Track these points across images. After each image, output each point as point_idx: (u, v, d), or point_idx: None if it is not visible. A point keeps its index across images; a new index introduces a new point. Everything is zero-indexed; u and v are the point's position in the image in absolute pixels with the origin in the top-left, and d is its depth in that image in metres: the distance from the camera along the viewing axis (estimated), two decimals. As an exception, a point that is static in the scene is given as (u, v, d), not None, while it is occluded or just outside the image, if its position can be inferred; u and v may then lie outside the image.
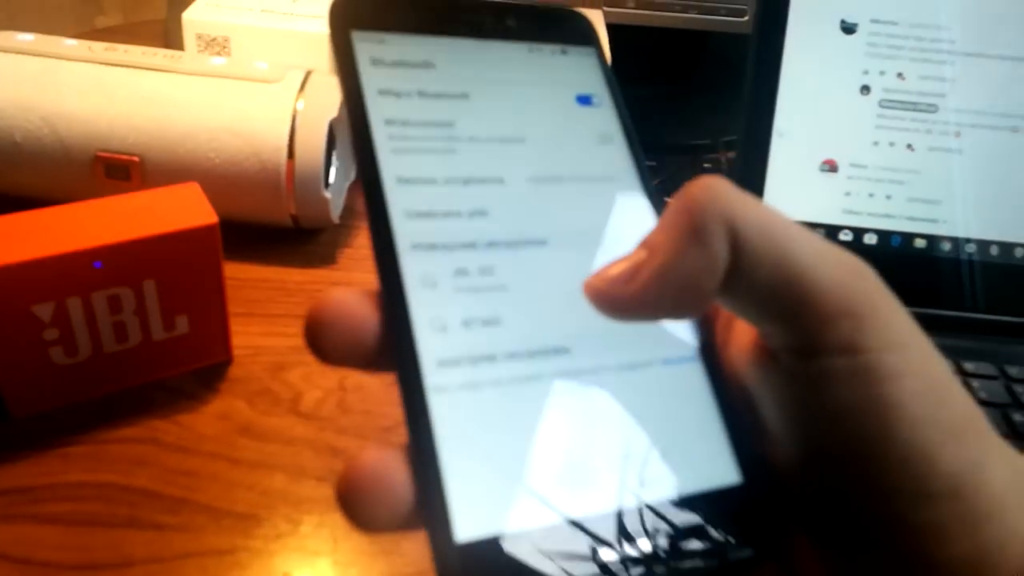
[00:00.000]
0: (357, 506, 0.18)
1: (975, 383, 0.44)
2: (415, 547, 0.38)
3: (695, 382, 0.22)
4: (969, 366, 0.45)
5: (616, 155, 0.25)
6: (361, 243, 0.57)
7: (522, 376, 0.20)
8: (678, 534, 0.20)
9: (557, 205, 0.23)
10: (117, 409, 0.43)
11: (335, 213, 0.56)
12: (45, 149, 0.51)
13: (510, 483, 0.19)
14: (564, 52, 0.25)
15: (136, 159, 0.51)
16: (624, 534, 0.19)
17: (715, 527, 0.20)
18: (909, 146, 0.48)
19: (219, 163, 0.51)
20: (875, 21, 0.47)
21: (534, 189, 0.23)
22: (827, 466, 0.19)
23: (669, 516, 0.20)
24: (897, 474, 0.18)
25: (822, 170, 0.48)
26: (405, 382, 0.19)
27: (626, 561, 0.19)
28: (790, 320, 0.19)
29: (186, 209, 0.42)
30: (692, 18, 0.69)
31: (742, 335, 0.22)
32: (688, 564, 0.19)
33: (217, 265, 0.43)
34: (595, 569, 0.19)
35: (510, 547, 0.18)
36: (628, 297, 0.19)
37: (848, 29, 0.47)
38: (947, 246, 0.49)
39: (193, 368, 0.46)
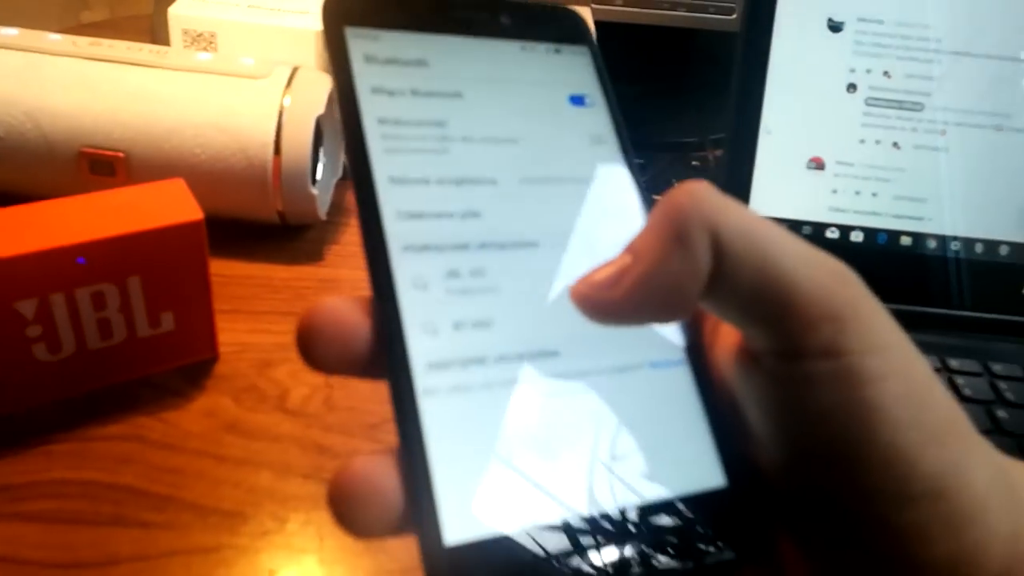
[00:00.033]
0: (348, 511, 0.18)
1: (960, 380, 0.44)
2: (401, 545, 0.37)
3: (682, 385, 0.22)
4: (954, 363, 0.45)
5: (608, 156, 0.25)
6: (348, 240, 0.57)
7: (511, 379, 0.20)
8: (663, 536, 0.20)
9: (549, 207, 0.23)
10: (102, 406, 0.42)
11: (322, 210, 0.56)
12: (29, 144, 0.51)
13: (498, 486, 0.19)
14: (558, 51, 0.25)
15: (121, 155, 0.51)
16: (610, 536, 0.19)
17: (699, 529, 0.20)
18: (895, 144, 0.48)
19: (205, 159, 0.51)
20: (862, 20, 0.47)
21: (526, 190, 0.23)
22: (810, 467, 0.20)
23: (654, 518, 0.20)
24: (879, 475, 0.18)
25: (809, 168, 0.49)
26: (395, 385, 0.19)
27: (611, 563, 0.19)
28: (773, 324, 0.19)
29: (171, 205, 0.42)
30: (680, 16, 0.69)
31: (727, 337, 0.22)
32: (671, 566, 0.19)
33: (203, 261, 0.43)
34: (581, 570, 0.19)
35: (498, 550, 0.18)
36: (612, 302, 0.20)
37: (835, 27, 0.48)
38: (933, 244, 0.49)
39: (179, 365, 0.45)
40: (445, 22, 0.24)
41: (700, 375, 0.22)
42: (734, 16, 0.67)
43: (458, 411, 0.19)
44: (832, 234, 0.49)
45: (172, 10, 0.63)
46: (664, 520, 0.20)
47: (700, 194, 0.19)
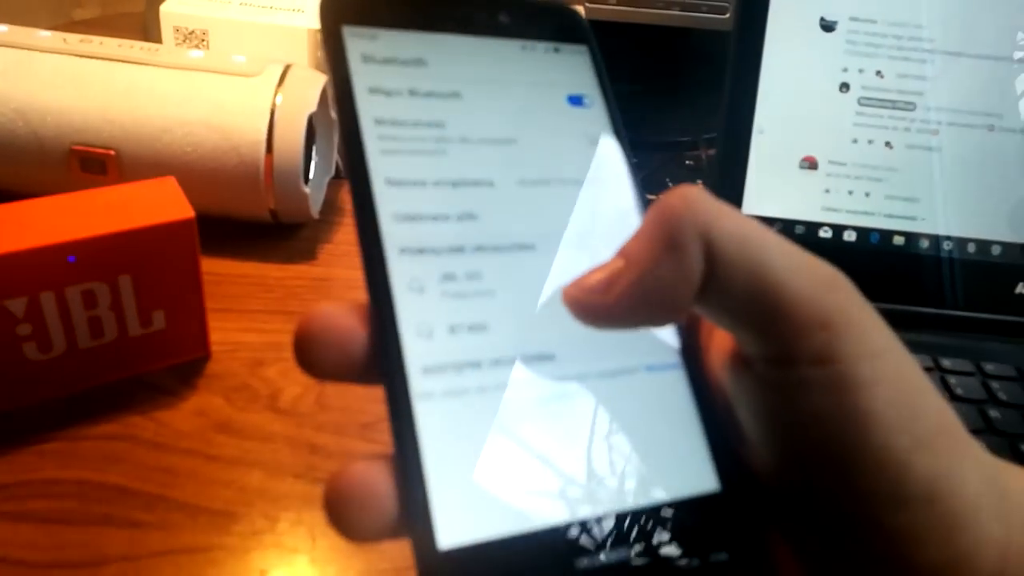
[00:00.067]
0: (344, 515, 0.18)
1: (952, 379, 0.44)
2: (393, 545, 0.37)
3: (678, 388, 0.22)
4: (946, 362, 0.46)
5: (606, 158, 0.24)
6: (341, 239, 0.57)
7: (506, 383, 0.20)
8: (656, 539, 0.20)
9: (546, 209, 0.23)
10: (93, 405, 0.42)
11: (315, 208, 0.55)
12: (19, 142, 0.51)
13: (492, 489, 0.19)
14: (557, 50, 0.25)
15: (112, 153, 0.51)
16: (603, 540, 0.19)
17: (693, 532, 0.20)
18: (888, 144, 0.48)
19: (197, 157, 0.51)
20: (854, 19, 0.47)
21: (523, 192, 0.23)
22: (803, 470, 0.20)
23: (648, 521, 0.20)
24: (872, 479, 0.19)
25: (802, 167, 0.49)
26: (391, 389, 0.19)
27: (604, 566, 0.19)
28: (765, 330, 0.19)
29: (162, 203, 0.41)
30: (674, 15, 0.69)
31: (722, 341, 0.22)
32: (665, 569, 0.19)
33: (194, 260, 0.43)
34: (574, 575, 0.19)
35: (492, 554, 0.18)
36: (605, 307, 0.20)
37: (827, 27, 0.48)
38: (925, 243, 0.49)
39: (170, 364, 0.45)
40: (444, 21, 0.24)
41: (695, 379, 0.22)
42: (727, 15, 0.67)
43: (453, 415, 0.19)
44: (825, 234, 0.49)
45: (164, 7, 0.62)
46: (658, 522, 0.20)
47: (693, 199, 0.19)
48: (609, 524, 0.20)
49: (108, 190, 0.42)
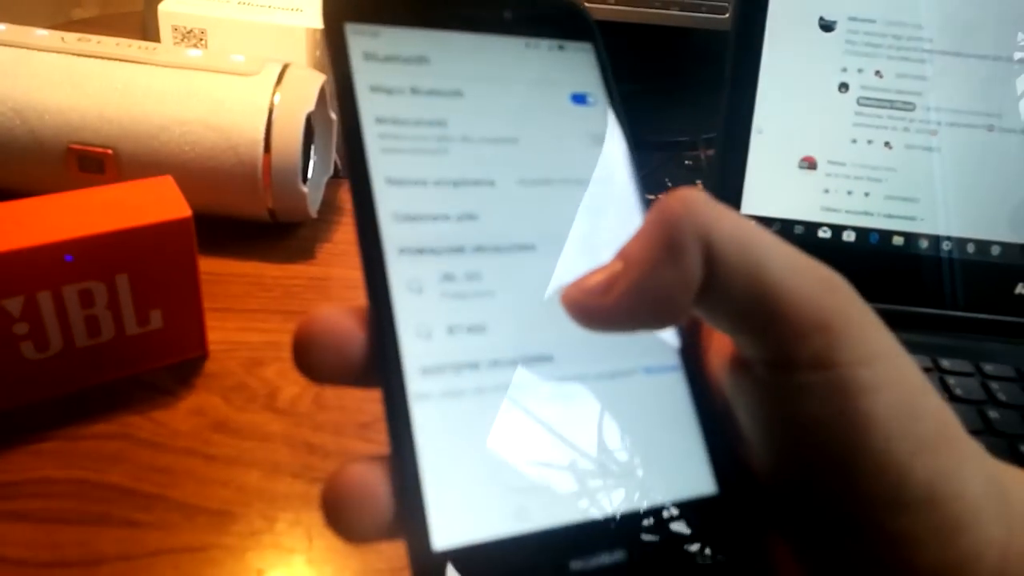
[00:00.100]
0: (341, 516, 0.18)
1: (951, 380, 0.44)
2: (390, 545, 0.37)
3: (676, 391, 0.22)
4: (946, 363, 0.45)
5: (608, 157, 0.24)
6: (340, 238, 0.57)
7: (504, 384, 0.20)
8: (654, 541, 0.20)
9: (547, 209, 0.23)
10: (90, 404, 0.42)
11: (313, 207, 0.55)
12: (16, 141, 0.51)
13: (488, 491, 0.19)
14: (561, 48, 0.25)
15: (110, 152, 0.51)
16: (600, 542, 0.19)
17: (691, 534, 0.20)
18: (887, 144, 0.48)
19: (195, 156, 0.51)
20: (853, 19, 0.47)
21: (524, 192, 0.23)
22: (803, 473, 0.20)
23: (646, 524, 0.20)
24: (872, 482, 0.18)
25: (801, 167, 0.49)
26: (388, 388, 0.19)
27: (600, 568, 0.19)
28: (764, 333, 0.19)
29: (159, 202, 0.41)
30: (673, 15, 0.69)
31: (721, 344, 0.22)
32: (662, 570, 0.19)
33: (192, 259, 0.43)
34: None
35: (487, 555, 0.18)
36: (603, 309, 0.19)
37: (826, 27, 0.48)
38: (924, 244, 0.49)
39: (167, 363, 0.45)
40: (447, 18, 0.23)
41: (694, 381, 0.22)
42: (727, 15, 0.67)
43: (450, 416, 0.19)
44: (824, 234, 0.49)
45: (162, 7, 0.62)
46: (656, 524, 0.20)
47: (693, 201, 0.19)
48: (606, 526, 0.19)
49: (106, 189, 0.41)
